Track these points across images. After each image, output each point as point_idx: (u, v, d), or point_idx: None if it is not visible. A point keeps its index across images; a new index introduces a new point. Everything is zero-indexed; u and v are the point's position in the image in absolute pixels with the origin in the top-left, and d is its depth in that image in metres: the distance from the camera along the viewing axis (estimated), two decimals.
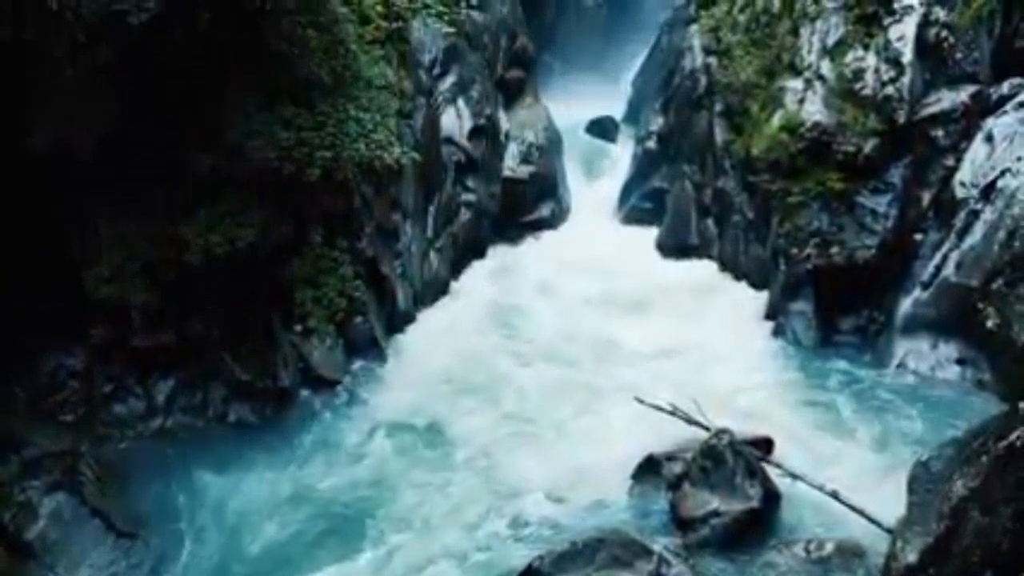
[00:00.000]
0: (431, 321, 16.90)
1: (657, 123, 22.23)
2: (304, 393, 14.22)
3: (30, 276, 12.30)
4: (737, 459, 11.36)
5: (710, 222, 19.79)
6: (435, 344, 15.93)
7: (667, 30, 25.38)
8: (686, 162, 20.67)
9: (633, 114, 26.05)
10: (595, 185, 23.57)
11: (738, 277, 18.57)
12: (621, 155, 24.01)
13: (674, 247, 20.30)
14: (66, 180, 12.19)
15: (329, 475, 12.49)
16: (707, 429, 12.35)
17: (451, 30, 18.74)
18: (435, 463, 12.79)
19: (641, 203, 22.05)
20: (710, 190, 19.75)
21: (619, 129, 25.85)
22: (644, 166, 22.33)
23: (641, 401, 13.25)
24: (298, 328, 14.47)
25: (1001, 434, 8.63)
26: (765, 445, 12.33)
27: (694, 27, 21.38)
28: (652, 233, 20.97)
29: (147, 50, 11.41)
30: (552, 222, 21.90)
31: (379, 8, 16.38)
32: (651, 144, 22.26)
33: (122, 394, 13.30)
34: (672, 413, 12.93)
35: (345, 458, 12.88)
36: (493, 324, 16.92)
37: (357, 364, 15.13)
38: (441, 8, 14.67)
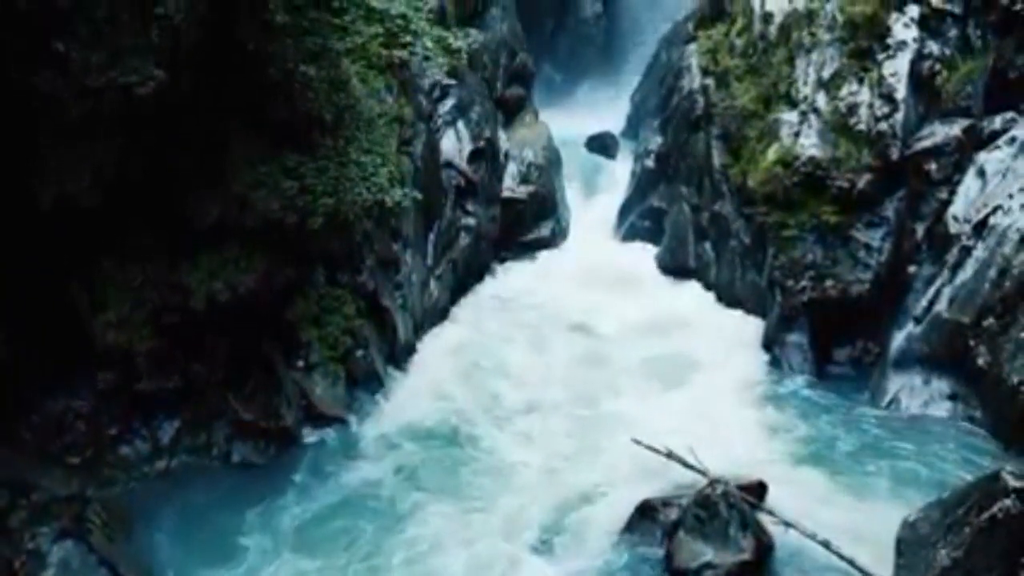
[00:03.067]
0: (430, 354, 17.05)
1: (656, 142, 22.41)
2: (307, 431, 14.33)
3: (38, 321, 12.53)
4: (731, 510, 11.56)
5: (707, 245, 19.96)
6: (433, 382, 16.08)
7: (666, 46, 25.51)
8: (684, 183, 20.83)
9: (632, 129, 26.23)
10: (594, 202, 23.80)
11: (734, 303, 18.77)
12: (620, 171, 24.15)
13: (672, 269, 20.55)
14: (72, 227, 12.36)
15: (329, 522, 12.55)
16: (703, 474, 12.54)
17: (452, 82, 18.89)
18: (423, 517, 12.69)
19: (640, 221, 22.29)
20: (707, 213, 19.90)
21: (618, 145, 25.99)
22: (643, 184, 22.52)
23: (638, 443, 13.45)
24: (300, 364, 14.69)
25: (984, 505, 8.93)
26: (758, 489, 12.48)
27: (692, 46, 21.48)
28: (650, 253, 21.21)
29: (152, 105, 11.57)
30: (552, 241, 22.14)
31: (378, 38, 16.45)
32: (649, 163, 22.46)
33: (128, 436, 13.44)
34: (668, 456, 13.09)
35: (345, 505, 12.94)
36: (488, 362, 16.96)
37: (359, 397, 15.23)
38: (442, 59, 14.82)
